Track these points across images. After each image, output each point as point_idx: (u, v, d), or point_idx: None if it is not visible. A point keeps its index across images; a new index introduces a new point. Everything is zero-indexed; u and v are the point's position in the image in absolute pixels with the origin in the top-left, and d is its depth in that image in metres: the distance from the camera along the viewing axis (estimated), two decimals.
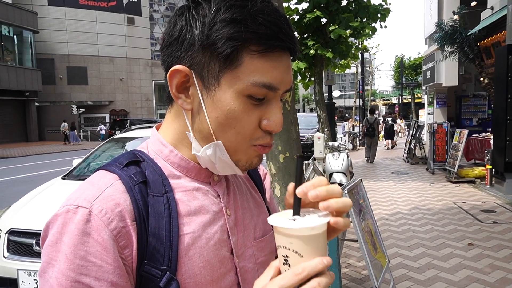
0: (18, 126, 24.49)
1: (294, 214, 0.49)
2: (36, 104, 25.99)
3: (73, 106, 27.48)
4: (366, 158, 11.93)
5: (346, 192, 2.82)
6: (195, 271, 0.55)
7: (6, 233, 2.88)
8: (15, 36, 24.10)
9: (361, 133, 14.47)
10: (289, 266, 0.46)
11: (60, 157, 15.68)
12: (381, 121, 13.26)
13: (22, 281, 2.69)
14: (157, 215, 0.54)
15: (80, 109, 28.19)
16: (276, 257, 0.49)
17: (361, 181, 3.43)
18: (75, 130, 24.85)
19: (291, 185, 0.50)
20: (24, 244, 2.82)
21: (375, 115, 12.18)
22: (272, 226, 0.47)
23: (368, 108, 15.54)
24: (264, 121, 0.56)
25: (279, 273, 0.47)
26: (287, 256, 0.47)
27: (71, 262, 0.48)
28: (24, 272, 2.69)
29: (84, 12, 29.84)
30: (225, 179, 0.66)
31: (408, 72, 35.32)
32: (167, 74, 0.57)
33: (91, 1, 30.18)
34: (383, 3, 7.85)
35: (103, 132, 26.07)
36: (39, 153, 17.86)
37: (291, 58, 0.58)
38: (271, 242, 0.67)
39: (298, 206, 0.49)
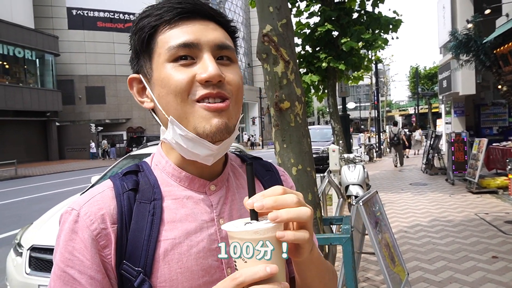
0: (40, 146, 25.26)
1: (252, 219, 0.49)
2: (57, 123, 26.81)
3: (91, 124, 28.19)
4: (395, 164, 13.33)
5: (361, 204, 2.79)
6: (171, 276, 0.57)
7: (28, 249, 2.96)
8: (37, 60, 25.11)
9: (383, 143, 16.71)
10: (237, 270, 0.46)
11: (80, 174, 16.03)
12: (402, 133, 14.52)
13: None
14: (139, 220, 0.58)
15: (99, 127, 28.88)
16: None
17: (377, 192, 3.38)
18: (115, 147, 26.58)
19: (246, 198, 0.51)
20: (46, 260, 2.88)
21: (397, 126, 13.83)
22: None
23: (384, 119, 19.30)
24: (199, 74, 0.58)
25: None
26: (235, 262, 0.46)
27: (62, 255, 0.56)
28: None
29: (102, 34, 30.89)
30: (226, 189, 0.67)
31: (424, 82, 34.93)
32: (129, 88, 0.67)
33: (109, 23, 31.26)
34: (394, 15, 7.85)
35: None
36: (60, 171, 18.31)
37: (224, 25, 0.64)
38: None
39: (254, 212, 0.48)
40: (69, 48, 29.39)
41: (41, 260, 2.89)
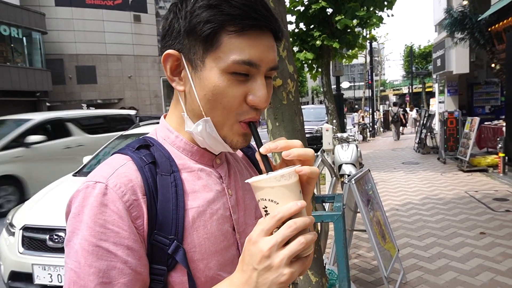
0: None
1: (267, 171, 0.55)
2: (47, 104, 26.38)
3: (83, 105, 27.75)
4: (394, 139, 15.72)
5: (353, 182, 2.81)
6: (200, 241, 0.61)
7: (20, 229, 2.96)
8: (24, 38, 24.39)
9: (376, 122, 18.72)
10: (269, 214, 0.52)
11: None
12: (401, 112, 16.79)
13: (37, 276, 2.76)
14: (165, 191, 0.60)
15: (90, 107, 28.51)
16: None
17: (369, 171, 3.41)
18: None
19: (257, 153, 0.57)
20: (38, 239, 2.89)
21: (397, 106, 16.65)
22: (251, 186, 0.53)
23: (378, 99, 21.28)
24: (250, 96, 0.60)
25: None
26: (266, 207, 0.52)
27: (92, 229, 0.55)
28: (39, 267, 2.76)
29: (90, 12, 30.04)
30: (227, 163, 0.72)
31: (418, 61, 34.74)
32: (162, 60, 0.63)
33: (97, 0, 30.35)
34: None
35: None
36: None
37: (277, 40, 0.63)
38: None
39: (268, 163, 0.56)
40: (57, 26, 28.58)
41: (33, 239, 2.90)
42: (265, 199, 0.51)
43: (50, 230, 2.87)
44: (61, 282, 2.72)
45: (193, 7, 0.58)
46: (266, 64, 0.60)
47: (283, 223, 0.50)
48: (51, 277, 2.74)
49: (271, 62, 0.61)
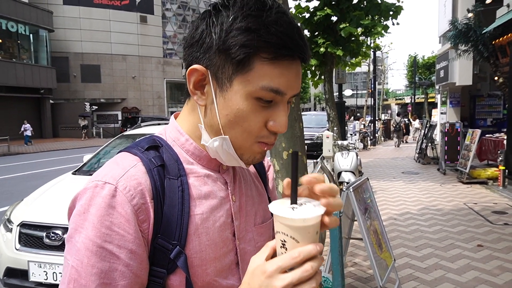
0: (33, 123, 24.94)
1: (292, 203, 0.53)
2: (51, 101, 26.48)
3: (86, 103, 27.90)
4: (395, 146, 16.89)
5: (351, 190, 2.81)
6: (201, 248, 0.62)
7: (18, 225, 2.96)
8: (31, 35, 24.57)
9: (377, 131, 19.36)
10: (286, 249, 0.52)
11: (73, 153, 15.95)
12: (403, 122, 17.99)
13: (33, 273, 2.76)
14: (172, 196, 0.61)
15: (93, 106, 28.60)
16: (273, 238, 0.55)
17: (368, 179, 3.41)
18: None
19: (287, 180, 0.55)
20: (35, 236, 2.89)
21: (400, 116, 17.78)
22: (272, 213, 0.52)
23: (380, 107, 22.25)
24: (271, 122, 0.61)
25: (274, 252, 0.53)
26: (284, 241, 0.52)
27: (97, 230, 0.55)
28: (35, 264, 2.76)
29: (98, 11, 30.24)
30: (232, 169, 0.72)
31: (422, 71, 34.77)
32: (186, 71, 0.63)
33: (105, 0, 30.56)
34: (395, 1, 7.75)
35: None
36: (53, 149, 18.22)
37: (305, 63, 0.64)
38: (270, 229, 0.74)
39: (295, 195, 0.54)
40: (64, 24, 28.77)
41: (30, 236, 2.90)
42: (287, 235, 0.51)
43: (47, 228, 2.87)
44: (56, 280, 2.72)
45: (230, 26, 0.57)
46: (291, 92, 0.61)
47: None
48: (46, 274, 2.74)
49: (296, 90, 0.62)
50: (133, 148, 0.64)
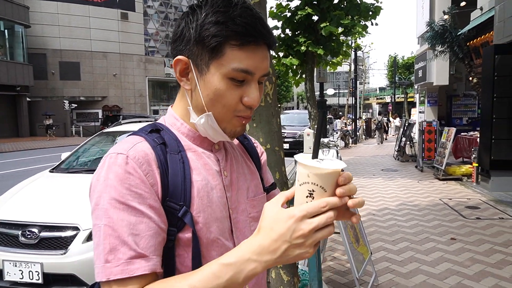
0: (9, 121, 24.23)
1: (313, 157, 0.61)
2: (28, 99, 25.71)
3: (65, 101, 27.21)
4: (377, 143, 18.02)
5: None
6: (203, 208, 0.73)
7: None
8: (6, 30, 23.80)
9: (359, 129, 20.03)
10: (313, 198, 0.59)
11: (52, 152, 15.56)
12: (384, 120, 19.56)
13: (8, 272, 2.70)
14: (174, 167, 0.72)
15: (72, 104, 27.93)
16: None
17: None
18: None
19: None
20: (10, 235, 2.83)
21: (381, 115, 20.13)
22: (297, 164, 0.61)
23: (361, 106, 21.07)
24: (245, 98, 0.72)
25: (287, 200, 0.62)
26: (313, 191, 0.59)
27: (119, 192, 0.65)
28: (10, 263, 2.71)
29: (77, 7, 29.55)
30: (224, 149, 0.83)
31: (402, 71, 35.54)
32: (173, 63, 0.75)
33: None
34: (374, 1, 7.90)
35: None
36: (30, 148, 17.72)
37: (270, 51, 0.75)
38: (262, 202, 0.81)
39: (317, 152, 0.62)
40: (41, 20, 27.99)
41: (5, 235, 2.84)
42: (316, 184, 0.58)
43: (22, 226, 2.82)
44: (32, 279, 2.68)
45: (204, 21, 0.69)
46: (259, 72, 0.72)
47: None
48: (22, 273, 2.69)
49: (264, 70, 0.73)
50: (138, 132, 0.76)
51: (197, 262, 0.70)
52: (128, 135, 0.75)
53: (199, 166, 0.76)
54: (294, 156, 0.61)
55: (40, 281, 2.66)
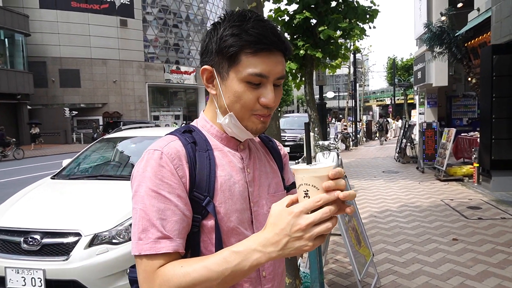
0: (10, 129, 24.17)
1: (308, 163, 0.70)
2: (28, 107, 25.79)
3: (65, 109, 27.29)
4: (380, 143, 19.06)
5: None
6: (225, 200, 0.83)
7: None
8: (6, 39, 23.93)
9: (359, 132, 20.32)
10: (309, 197, 0.66)
11: (53, 159, 15.58)
12: (385, 122, 20.93)
13: (10, 279, 2.71)
14: (201, 162, 0.83)
15: (73, 111, 28.01)
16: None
17: (346, 176, 3.49)
18: None
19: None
20: (12, 242, 2.83)
21: (382, 118, 20.52)
22: (294, 173, 0.69)
23: (361, 109, 22.52)
24: (262, 98, 0.81)
25: (292, 203, 0.68)
26: (307, 191, 0.66)
27: (153, 182, 0.77)
28: (12, 270, 2.71)
29: (76, 15, 29.72)
30: (249, 149, 0.93)
31: (401, 73, 35.59)
32: (200, 73, 0.88)
33: (83, 4, 30.07)
34: (371, 5, 7.94)
35: None
36: (32, 156, 17.74)
37: (286, 56, 0.84)
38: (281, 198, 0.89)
39: (310, 158, 0.72)
40: (41, 28, 28.14)
41: (7, 242, 2.84)
42: (309, 184, 0.65)
43: (24, 233, 2.82)
44: (34, 285, 2.68)
45: (222, 34, 0.81)
46: (273, 75, 0.81)
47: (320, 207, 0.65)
48: (24, 280, 2.69)
49: (278, 74, 0.82)
50: (174, 132, 0.88)
51: (218, 247, 0.79)
52: (166, 135, 0.87)
53: (224, 163, 0.86)
54: (291, 167, 0.68)
55: None
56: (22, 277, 2.70)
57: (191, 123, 0.94)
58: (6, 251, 2.82)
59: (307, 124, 0.79)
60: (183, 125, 0.94)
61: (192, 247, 0.80)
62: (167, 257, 0.74)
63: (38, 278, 2.67)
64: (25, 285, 2.69)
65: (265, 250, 0.67)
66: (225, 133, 0.89)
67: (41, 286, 2.66)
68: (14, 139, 18.17)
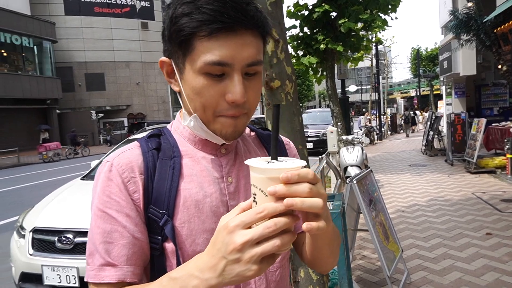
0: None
1: (272, 158, 0.54)
2: (57, 111, 26.80)
3: (92, 111, 28.17)
4: (406, 136, 18.88)
5: (354, 182, 2.84)
6: (190, 218, 0.68)
7: (30, 231, 3.03)
8: (35, 47, 24.91)
9: (383, 125, 20.19)
10: (256, 203, 0.50)
11: (81, 161, 16.13)
12: (411, 114, 20.61)
13: (47, 276, 2.82)
14: (162, 173, 0.69)
15: (99, 114, 28.87)
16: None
17: (371, 171, 3.43)
18: None
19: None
20: (48, 241, 2.96)
21: (408, 110, 20.94)
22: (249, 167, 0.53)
23: (385, 102, 22.31)
24: (228, 94, 0.63)
25: (243, 212, 0.52)
26: (255, 194, 0.51)
27: (101, 199, 0.66)
28: (48, 268, 2.83)
29: (99, 20, 30.54)
30: (235, 153, 0.77)
31: (426, 64, 34.54)
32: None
33: (106, 8, 30.86)
34: None
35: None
36: (62, 158, 18.41)
37: (262, 34, 0.66)
38: None
39: (275, 151, 0.54)
40: (66, 35, 29.11)
41: (43, 241, 2.97)
42: (256, 186, 0.50)
43: (58, 232, 2.94)
44: (69, 282, 2.78)
45: (171, 16, 0.63)
46: (240, 61, 0.62)
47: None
48: (59, 277, 2.81)
49: (247, 59, 0.62)
50: (141, 137, 0.75)
51: None
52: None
53: (194, 172, 0.70)
54: (245, 161, 0.53)
55: (77, 285, 2.76)
56: (58, 274, 2.81)
57: (166, 126, 0.80)
58: (42, 250, 2.94)
59: (277, 106, 0.57)
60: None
61: (157, 273, 0.66)
62: (112, 287, 0.64)
63: (72, 275, 2.77)
64: (60, 282, 2.80)
65: (203, 276, 0.53)
66: (198, 136, 0.73)
67: (75, 283, 2.76)
68: (83, 139, 20.58)
